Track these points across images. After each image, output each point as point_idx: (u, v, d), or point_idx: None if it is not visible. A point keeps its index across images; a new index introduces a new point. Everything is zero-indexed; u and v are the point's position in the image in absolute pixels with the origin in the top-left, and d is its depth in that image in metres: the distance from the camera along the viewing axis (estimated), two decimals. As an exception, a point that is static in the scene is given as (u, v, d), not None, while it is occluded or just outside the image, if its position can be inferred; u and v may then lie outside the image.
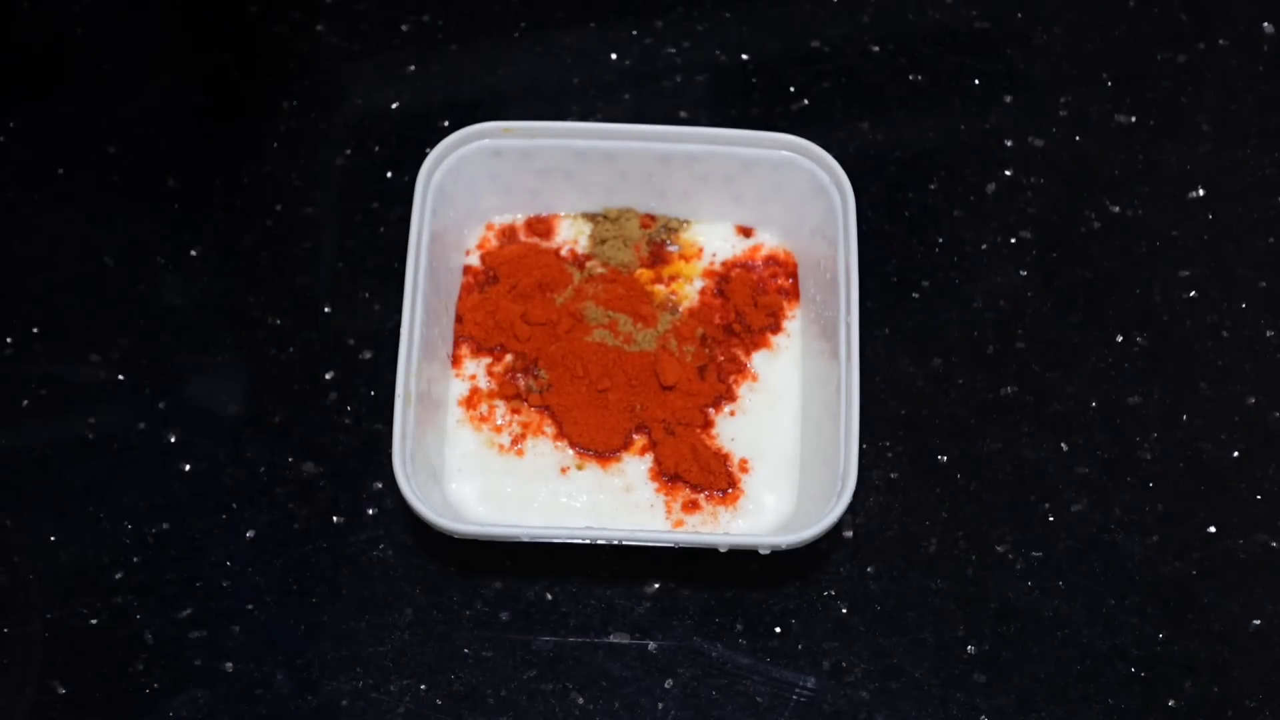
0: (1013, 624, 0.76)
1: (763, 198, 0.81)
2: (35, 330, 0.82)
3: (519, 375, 0.79)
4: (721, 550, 0.74)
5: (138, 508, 0.78)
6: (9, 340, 0.81)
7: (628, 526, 0.76)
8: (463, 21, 0.89)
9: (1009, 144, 0.87)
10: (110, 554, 0.77)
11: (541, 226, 0.83)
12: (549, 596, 0.77)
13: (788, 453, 0.78)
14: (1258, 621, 0.77)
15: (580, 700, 0.75)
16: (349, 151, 0.86)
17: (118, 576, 0.76)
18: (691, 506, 0.77)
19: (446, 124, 0.86)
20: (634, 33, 0.89)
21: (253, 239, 0.84)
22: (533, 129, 0.80)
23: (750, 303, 0.81)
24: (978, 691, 0.75)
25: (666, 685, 0.75)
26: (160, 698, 0.74)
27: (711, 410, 0.79)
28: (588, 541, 0.73)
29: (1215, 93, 0.88)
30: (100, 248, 0.83)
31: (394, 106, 0.87)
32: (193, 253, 0.83)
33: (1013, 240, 0.84)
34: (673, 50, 0.88)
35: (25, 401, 0.80)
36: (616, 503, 0.77)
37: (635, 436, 0.78)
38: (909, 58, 0.89)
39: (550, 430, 0.78)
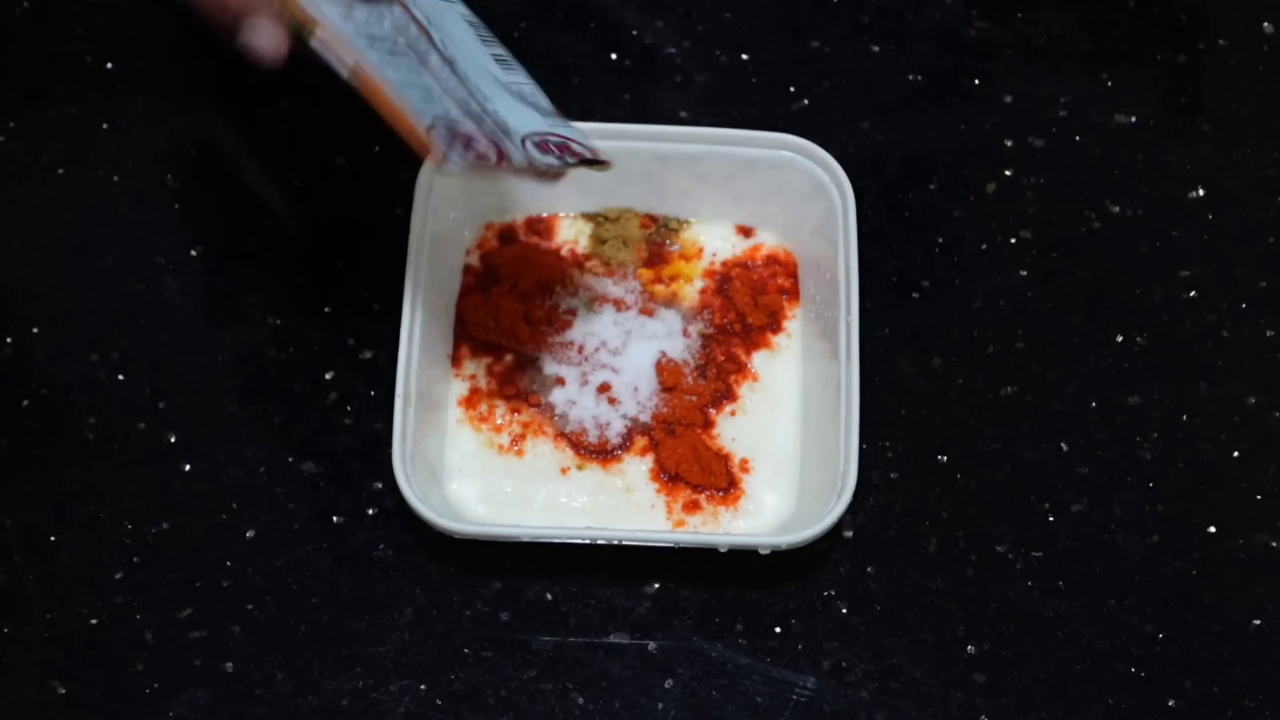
0: (1013, 624, 0.76)
1: (763, 198, 0.81)
2: (35, 330, 0.82)
3: (519, 375, 0.79)
4: (721, 550, 0.74)
5: (138, 508, 0.78)
6: (9, 340, 0.81)
7: (628, 527, 0.76)
8: (463, 21, 0.89)
9: (1009, 144, 0.87)
10: (110, 554, 0.77)
11: (541, 226, 0.83)
12: (549, 596, 0.77)
13: (788, 453, 0.78)
14: (1258, 621, 0.77)
15: (580, 700, 0.75)
16: (349, 151, 0.86)
17: (118, 576, 0.76)
18: (692, 507, 0.77)
19: (446, 124, 0.86)
20: (634, 33, 0.89)
21: (253, 239, 0.84)
22: (533, 129, 0.80)
23: (750, 303, 0.81)
24: (978, 691, 0.75)
25: (666, 685, 0.75)
26: (160, 698, 0.74)
27: (712, 410, 0.79)
28: (588, 541, 0.73)
29: (1215, 93, 0.88)
30: (100, 248, 0.83)
31: (394, 106, 0.87)
32: (193, 253, 0.83)
33: (1013, 240, 0.84)
34: (673, 50, 0.88)
35: (25, 401, 0.80)
36: (617, 503, 0.77)
37: (636, 437, 0.78)
38: (909, 58, 0.89)
39: (550, 430, 0.78)
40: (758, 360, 0.80)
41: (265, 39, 0.71)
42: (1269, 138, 0.87)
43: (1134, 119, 0.87)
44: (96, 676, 0.75)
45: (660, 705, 0.75)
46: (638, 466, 0.77)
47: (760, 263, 0.82)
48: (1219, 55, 0.89)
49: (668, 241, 0.83)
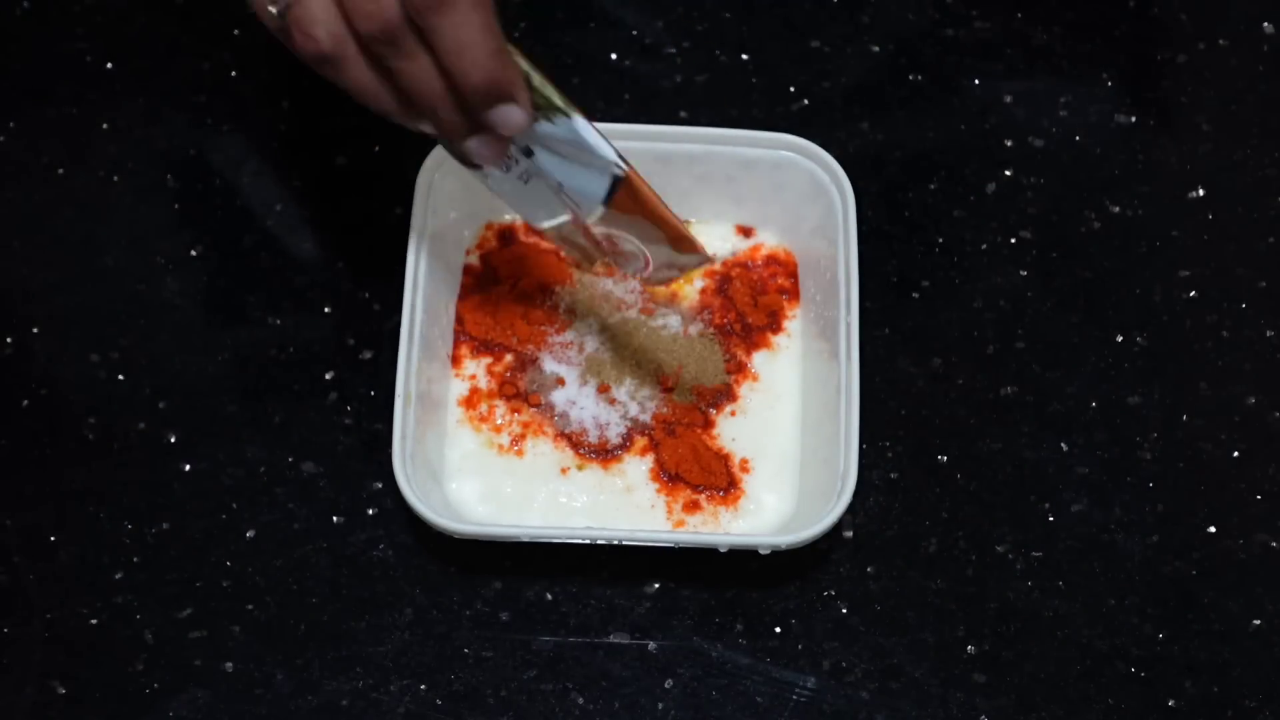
0: (1013, 624, 0.76)
1: (763, 198, 0.81)
2: (35, 330, 0.82)
3: (519, 375, 0.79)
4: (721, 550, 0.74)
5: (138, 508, 0.78)
6: (9, 340, 0.81)
7: (628, 527, 0.76)
8: (463, 21, 0.89)
9: (1009, 144, 0.87)
10: (110, 554, 0.77)
11: (541, 226, 0.83)
12: (549, 596, 0.77)
13: (788, 453, 0.78)
14: (1258, 621, 0.77)
15: (580, 700, 0.75)
16: (349, 151, 0.86)
17: (118, 576, 0.76)
18: (692, 507, 0.77)
19: (446, 124, 0.86)
20: (634, 33, 0.89)
21: (253, 239, 0.84)
22: (533, 129, 0.80)
23: (750, 303, 0.81)
24: (978, 691, 0.75)
25: (666, 685, 0.75)
26: (160, 698, 0.74)
27: (712, 410, 0.79)
28: (588, 541, 0.73)
29: (1215, 93, 0.88)
30: (100, 248, 0.83)
31: (394, 106, 0.87)
32: (193, 253, 0.83)
33: (1013, 240, 0.84)
34: (673, 50, 0.88)
35: (25, 401, 0.80)
36: (617, 503, 0.77)
37: (636, 437, 0.78)
38: (909, 58, 0.89)
39: (550, 430, 0.78)
40: (758, 360, 0.80)
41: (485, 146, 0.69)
42: (1269, 138, 0.87)
43: (1134, 119, 0.87)
44: (96, 676, 0.75)
45: (660, 705, 0.75)
46: (638, 466, 0.77)
47: (760, 263, 0.82)
48: (1219, 55, 0.89)
49: (668, 241, 0.83)
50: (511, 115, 0.67)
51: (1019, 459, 0.79)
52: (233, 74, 0.88)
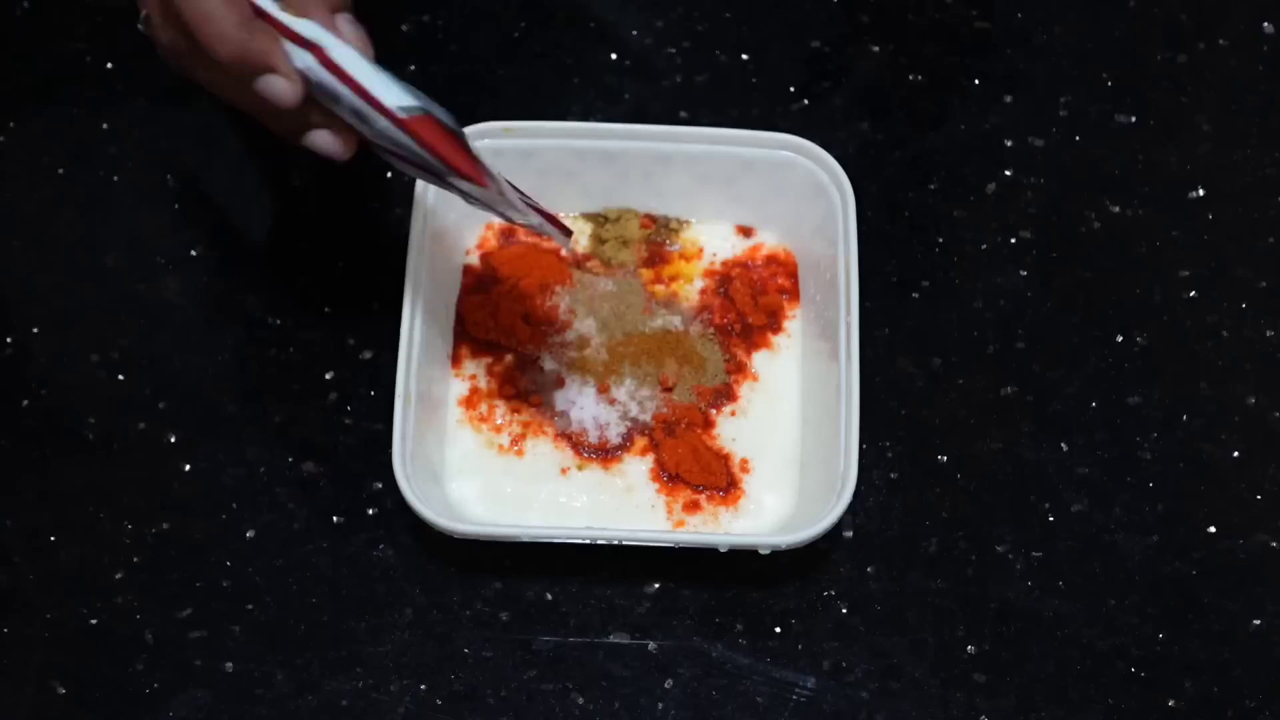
0: (1013, 624, 0.76)
1: (763, 198, 0.81)
2: (35, 330, 0.82)
3: (519, 375, 0.79)
4: (721, 550, 0.74)
5: (138, 508, 0.78)
6: (9, 340, 0.81)
7: (628, 527, 0.76)
8: (463, 21, 0.89)
9: (1009, 144, 0.87)
10: (110, 554, 0.77)
11: (541, 226, 0.83)
12: (549, 596, 0.77)
13: (788, 453, 0.78)
14: (1258, 621, 0.77)
15: (580, 700, 0.75)
16: (349, 151, 0.86)
17: (118, 576, 0.76)
18: (692, 507, 0.77)
19: (446, 124, 0.86)
20: (634, 33, 0.89)
21: (253, 239, 0.84)
22: (533, 129, 0.80)
23: (750, 303, 0.81)
24: (978, 691, 0.75)
25: (666, 685, 0.75)
26: (160, 698, 0.74)
27: (712, 410, 0.79)
28: (588, 541, 0.73)
29: (1215, 93, 0.88)
30: (100, 248, 0.83)
31: (394, 106, 0.87)
32: (193, 253, 0.83)
33: (1013, 240, 0.84)
34: (673, 50, 0.88)
35: (25, 401, 0.80)
36: (617, 503, 0.77)
37: (636, 437, 0.78)
38: (909, 58, 0.89)
39: (550, 430, 0.78)
40: (758, 360, 0.80)
41: (327, 140, 0.70)
42: (1269, 138, 0.87)
43: (1134, 119, 0.87)
44: (96, 676, 0.75)
45: (660, 705, 0.75)
46: (638, 466, 0.78)
47: (760, 263, 0.82)
48: (1219, 55, 0.89)
49: (668, 241, 0.83)
50: (274, 86, 0.67)
51: (1019, 459, 0.79)
52: (233, 74, 0.88)
